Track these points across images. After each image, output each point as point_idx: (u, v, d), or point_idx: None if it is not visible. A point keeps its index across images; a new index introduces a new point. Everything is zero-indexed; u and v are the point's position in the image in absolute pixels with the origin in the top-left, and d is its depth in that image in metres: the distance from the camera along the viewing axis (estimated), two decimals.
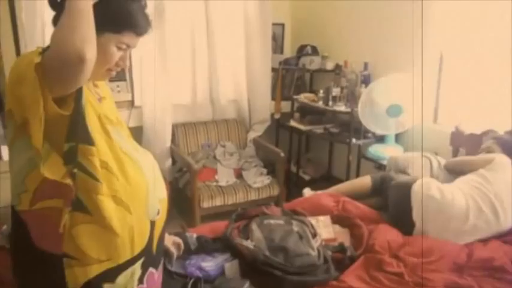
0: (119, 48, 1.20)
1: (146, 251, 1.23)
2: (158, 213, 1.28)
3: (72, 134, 1.10)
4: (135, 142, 1.34)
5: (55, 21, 1.18)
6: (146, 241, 1.23)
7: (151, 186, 1.26)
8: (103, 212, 1.12)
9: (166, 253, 1.55)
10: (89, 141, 1.12)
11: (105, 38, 1.16)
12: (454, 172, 2.47)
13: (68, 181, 1.09)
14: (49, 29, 3.25)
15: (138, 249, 1.20)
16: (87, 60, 1.01)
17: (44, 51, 1.09)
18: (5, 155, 3.03)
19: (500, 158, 2.28)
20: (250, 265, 1.71)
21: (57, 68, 1.02)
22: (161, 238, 1.34)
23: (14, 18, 2.95)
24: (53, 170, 1.09)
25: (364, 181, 2.62)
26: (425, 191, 2.13)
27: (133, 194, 1.20)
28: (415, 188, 2.18)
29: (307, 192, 2.74)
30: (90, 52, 1.01)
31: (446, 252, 1.93)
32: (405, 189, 2.21)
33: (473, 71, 2.77)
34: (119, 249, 1.16)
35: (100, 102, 1.24)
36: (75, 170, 1.10)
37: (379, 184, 2.53)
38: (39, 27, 2.98)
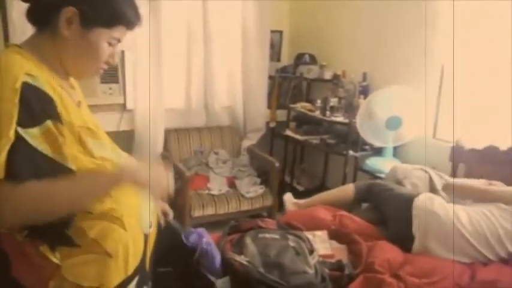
0: (110, 44, 1.11)
1: (140, 269, 1.14)
2: (150, 226, 1.19)
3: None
4: (118, 149, 1.24)
5: (31, 15, 1.09)
6: (140, 258, 1.14)
7: (142, 198, 1.17)
8: (93, 236, 1.02)
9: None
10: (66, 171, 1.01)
11: (94, 34, 1.07)
12: (457, 196, 2.27)
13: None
14: None
15: (132, 268, 1.10)
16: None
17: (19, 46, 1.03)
18: None
19: None
20: (243, 282, 1.61)
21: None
22: (152, 252, 1.24)
23: (5, 16, 2.86)
24: None
25: (347, 189, 2.56)
26: (428, 206, 2.06)
27: (125, 207, 1.10)
28: (418, 202, 2.10)
29: (288, 198, 2.66)
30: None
31: (448, 272, 1.84)
32: (407, 202, 2.12)
33: (474, 85, 2.71)
34: (112, 272, 1.06)
35: (79, 107, 1.14)
36: None
37: (363, 192, 2.48)
38: (30, 25, 2.87)
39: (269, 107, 3.93)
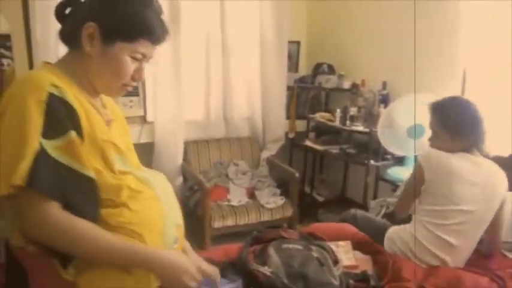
0: (134, 59, 1.09)
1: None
2: (176, 241, 1.15)
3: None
4: (142, 167, 1.24)
5: (63, 35, 1.12)
6: None
7: (167, 212, 1.13)
8: None
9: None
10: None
11: (117, 48, 1.06)
12: None
13: None
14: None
15: (155, 286, 1.06)
16: None
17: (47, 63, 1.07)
18: None
19: None
20: None
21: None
22: None
23: (28, 32, 2.92)
24: None
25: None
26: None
27: (146, 222, 1.07)
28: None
29: None
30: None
31: (474, 284, 1.79)
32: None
33: (498, 90, 2.66)
34: None
35: (108, 125, 1.13)
36: None
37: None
38: (53, 41, 2.93)
39: (288, 117, 3.93)
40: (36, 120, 0.94)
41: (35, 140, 0.93)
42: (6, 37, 2.81)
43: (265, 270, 1.62)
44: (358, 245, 2.04)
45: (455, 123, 1.91)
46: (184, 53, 3.39)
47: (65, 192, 0.97)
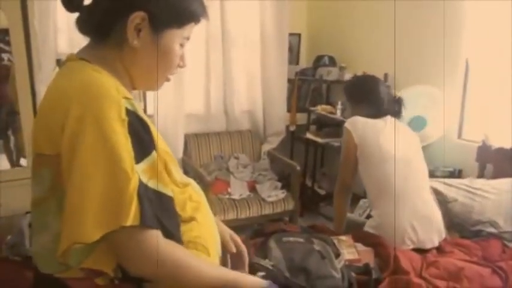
0: (181, 45, 1.00)
1: None
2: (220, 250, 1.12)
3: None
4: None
5: (88, 26, 0.95)
6: None
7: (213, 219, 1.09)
8: None
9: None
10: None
11: (168, 37, 0.95)
12: None
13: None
14: (61, 35, 3.15)
15: None
16: None
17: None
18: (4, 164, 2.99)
19: None
20: None
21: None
22: None
23: (27, 23, 2.89)
24: None
25: None
26: None
27: (209, 235, 1.02)
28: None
29: None
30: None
31: (476, 276, 1.78)
32: None
33: (502, 80, 2.64)
34: None
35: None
36: None
37: None
38: (51, 33, 2.91)
39: (289, 110, 3.90)
40: (127, 145, 0.82)
41: (133, 171, 0.82)
42: (5, 31, 2.78)
43: (267, 263, 1.61)
44: (360, 238, 2.03)
45: (358, 96, 2.25)
46: (185, 46, 3.36)
47: (159, 218, 0.87)
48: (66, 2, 0.93)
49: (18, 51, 2.80)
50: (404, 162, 2.01)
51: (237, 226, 3.08)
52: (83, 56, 0.93)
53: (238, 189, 3.36)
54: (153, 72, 0.98)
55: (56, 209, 0.86)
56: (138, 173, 0.83)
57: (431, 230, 2.01)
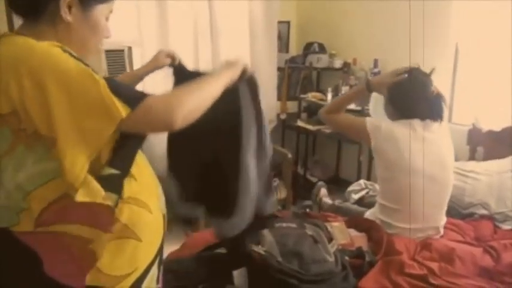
0: (106, 19, 1.13)
1: (160, 249, 1.14)
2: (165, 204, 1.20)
3: (118, 161, 1.03)
4: None
5: (20, 6, 1.05)
6: (161, 238, 1.14)
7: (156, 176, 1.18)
8: (124, 221, 1.01)
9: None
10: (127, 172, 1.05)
11: (97, 11, 1.07)
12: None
13: (108, 202, 0.97)
14: None
15: (155, 249, 1.11)
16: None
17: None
18: None
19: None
20: (261, 272, 1.56)
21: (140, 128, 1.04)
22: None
23: (11, 17, 2.84)
24: (88, 192, 0.95)
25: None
26: None
27: (148, 189, 1.10)
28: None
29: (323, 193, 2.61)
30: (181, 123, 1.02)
31: (468, 256, 1.79)
32: None
33: (491, 63, 2.64)
34: (142, 255, 1.06)
35: None
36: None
37: None
38: None
39: (279, 98, 3.88)
40: (80, 64, 0.96)
41: (95, 75, 0.96)
42: None
43: (259, 249, 1.60)
44: (352, 223, 2.03)
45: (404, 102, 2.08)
46: (172, 34, 3.32)
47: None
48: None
49: None
50: (428, 178, 1.88)
51: None
52: (29, 35, 1.02)
53: None
54: (86, 44, 1.10)
55: (12, 167, 0.96)
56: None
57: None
